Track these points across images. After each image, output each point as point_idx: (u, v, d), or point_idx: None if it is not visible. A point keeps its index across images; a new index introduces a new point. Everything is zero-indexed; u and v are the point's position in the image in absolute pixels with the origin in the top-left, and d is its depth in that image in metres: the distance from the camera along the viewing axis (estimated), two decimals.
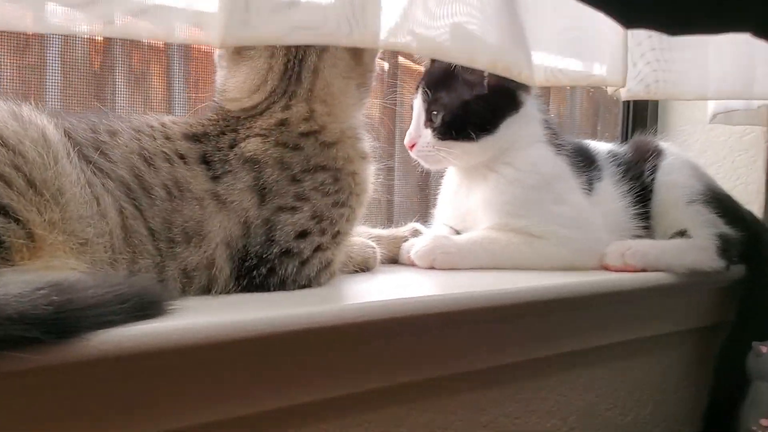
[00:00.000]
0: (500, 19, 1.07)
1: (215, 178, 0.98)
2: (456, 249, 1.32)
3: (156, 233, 0.91)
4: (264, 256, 0.99)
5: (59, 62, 1.40)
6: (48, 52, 1.40)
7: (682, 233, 1.43)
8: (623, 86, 1.30)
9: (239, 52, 1.08)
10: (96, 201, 0.86)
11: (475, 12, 1.05)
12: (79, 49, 1.45)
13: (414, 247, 1.32)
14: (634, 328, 1.36)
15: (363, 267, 1.23)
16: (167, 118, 1.03)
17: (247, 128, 1.03)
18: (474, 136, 1.34)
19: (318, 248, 1.04)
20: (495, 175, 1.38)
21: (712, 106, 1.71)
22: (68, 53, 1.41)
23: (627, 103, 2.06)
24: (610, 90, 1.35)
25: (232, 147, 1.01)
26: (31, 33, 1.31)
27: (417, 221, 1.48)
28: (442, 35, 1.04)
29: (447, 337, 1.05)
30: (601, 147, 1.56)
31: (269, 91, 1.06)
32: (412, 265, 1.33)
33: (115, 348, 0.71)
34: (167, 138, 0.98)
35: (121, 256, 0.87)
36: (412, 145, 1.40)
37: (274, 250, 0.99)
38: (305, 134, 1.04)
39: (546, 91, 2.32)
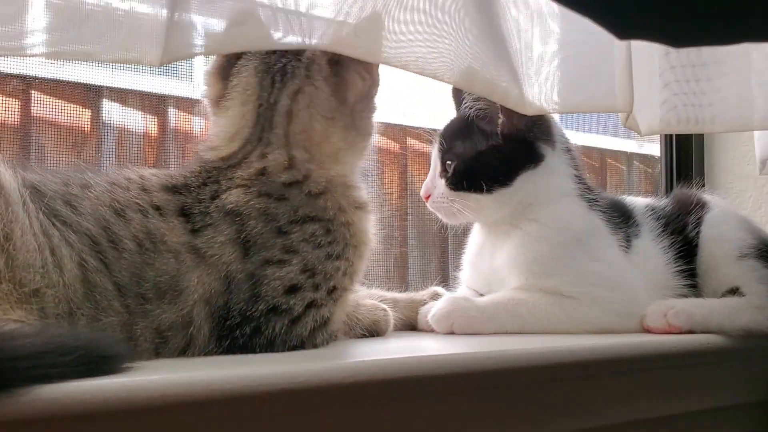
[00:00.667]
0: (482, 43, 0.99)
1: (194, 231, 0.92)
2: (477, 312, 1.20)
3: (123, 288, 0.84)
4: (248, 313, 0.91)
5: (114, 157, 1.46)
6: (104, 146, 1.46)
7: (734, 291, 1.28)
8: (630, 111, 1.18)
9: (218, 103, 1.04)
10: (51, 251, 0.80)
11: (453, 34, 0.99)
12: (134, 144, 1.51)
13: (432, 311, 1.21)
14: (682, 401, 1.19)
15: (372, 331, 1.13)
16: (149, 171, 0.99)
17: (229, 179, 0.97)
18: (486, 187, 1.26)
19: (311, 304, 0.95)
20: (520, 232, 1.28)
21: (759, 151, 1.56)
22: (123, 148, 1.48)
23: (669, 160, 1.94)
24: (621, 118, 1.23)
25: (213, 198, 0.95)
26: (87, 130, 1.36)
27: (440, 285, 1.38)
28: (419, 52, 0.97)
29: (450, 406, 0.92)
30: (639, 202, 1.44)
31: (244, 140, 1.01)
32: (431, 331, 1.22)
33: (45, 405, 0.62)
34: (144, 190, 0.93)
35: (80, 312, 0.81)
36: (428, 197, 1.33)
37: (260, 307, 0.91)
38: (289, 184, 0.98)
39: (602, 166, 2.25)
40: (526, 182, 1.27)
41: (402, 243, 1.76)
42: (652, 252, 1.33)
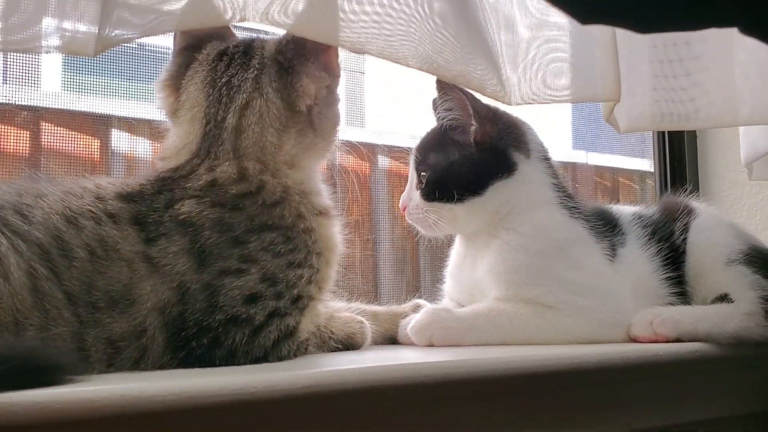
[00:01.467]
0: (452, 27, 0.96)
1: (149, 241, 0.90)
2: (457, 323, 1.17)
3: (74, 297, 0.82)
4: (205, 324, 0.88)
5: None
6: (113, 175, 1.48)
7: (723, 297, 1.24)
8: (618, 100, 1.15)
9: (175, 113, 1.03)
10: None
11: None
12: (143, 172, 1.50)
13: (411, 323, 1.18)
14: (671, 413, 1.15)
15: (348, 344, 1.10)
16: (105, 180, 0.97)
17: (182, 188, 0.95)
18: (458, 197, 1.23)
19: (274, 313, 0.92)
20: (499, 241, 1.25)
21: (744, 152, 1.52)
22: (132, 176, 1.45)
23: (662, 169, 1.91)
24: (604, 113, 1.19)
25: (167, 207, 0.93)
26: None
27: (422, 297, 1.35)
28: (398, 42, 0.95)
29: (418, 416, 0.89)
30: (625, 210, 1.41)
31: (191, 153, 1.00)
32: (412, 344, 1.18)
33: None
34: (98, 198, 0.92)
35: (27, 321, 0.78)
36: (405, 208, 1.31)
37: (218, 317, 0.88)
38: (241, 195, 0.96)
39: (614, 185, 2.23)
40: (499, 191, 1.24)
41: (374, 257, 1.76)
42: (638, 260, 1.30)
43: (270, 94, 1.01)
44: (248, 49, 1.05)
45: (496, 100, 1.07)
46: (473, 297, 1.28)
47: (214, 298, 0.88)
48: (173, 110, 1.05)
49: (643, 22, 0.69)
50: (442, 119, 1.27)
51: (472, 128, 1.24)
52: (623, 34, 1.14)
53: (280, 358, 0.92)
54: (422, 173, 1.28)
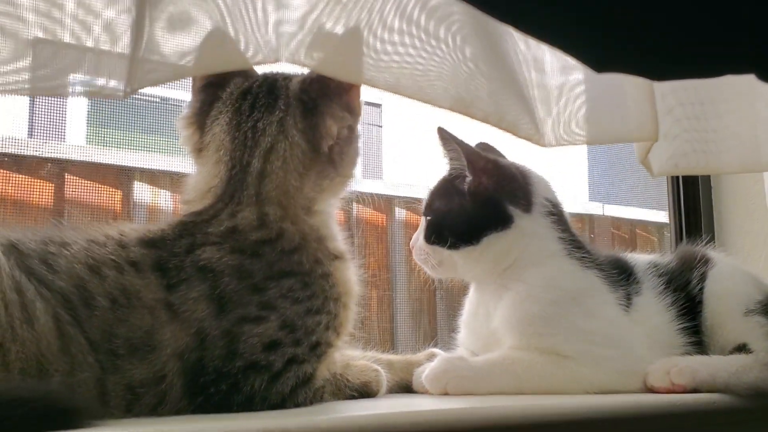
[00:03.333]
0: (485, 69, 0.98)
1: (170, 287, 0.91)
2: (472, 371, 1.17)
3: (95, 344, 0.83)
4: (224, 370, 0.89)
5: None
6: None
7: (741, 348, 1.23)
8: (656, 140, 1.15)
9: (199, 151, 1.05)
10: (22, 307, 0.80)
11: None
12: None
13: (426, 371, 1.18)
14: None
15: (363, 392, 1.09)
16: (128, 226, 0.99)
17: (204, 234, 0.96)
18: (452, 244, 1.26)
19: (292, 360, 0.93)
20: (510, 293, 1.25)
21: None
22: None
23: (678, 219, 1.91)
24: (639, 155, 1.19)
25: (188, 252, 0.94)
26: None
27: (438, 347, 1.35)
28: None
29: None
30: (641, 259, 1.41)
31: (216, 197, 1.01)
32: (427, 392, 1.18)
33: None
34: (121, 246, 0.93)
35: (53, 367, 0.80)
36: (413, 248, 1.34)
37: (237, 364, 0.89)
38: (260, 242, 0.97)
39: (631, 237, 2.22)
40: (494, 243, 1.25)
41: (390, 307, 1.77)
42: (654, 309, 1.29)
43: (295, 137, 1.02)
44: (272, 88, 1.05)
45: (530, 141, 1.08)
46: (488, 346, 1.28)
47: (234, 345, 0.89)
48: (197, 149, 1.06)
49: (658, 70, 0.70)
50: (448, 166, 1.30)
51: (467, 180, 1.26)
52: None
53: (297, 405, 0.92)
54: (427, 217, 1.31)
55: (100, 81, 0.88)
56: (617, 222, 2.42)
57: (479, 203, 1.26)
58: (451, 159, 1.29)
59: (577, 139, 1.12)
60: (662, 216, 2.25)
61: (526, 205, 1.27)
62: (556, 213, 1.31)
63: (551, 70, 1.14)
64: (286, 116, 1.03)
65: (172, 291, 0.90)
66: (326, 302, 0.98)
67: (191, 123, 1.08)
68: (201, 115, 1.07)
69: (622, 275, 1.30)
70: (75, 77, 0.88)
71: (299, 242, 0.99)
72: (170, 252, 0.94)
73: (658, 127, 1.13)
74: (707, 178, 1.93)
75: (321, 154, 1.04)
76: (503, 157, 1.37)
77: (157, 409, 0.86)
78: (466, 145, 1.26)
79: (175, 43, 0.89)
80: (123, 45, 0.89)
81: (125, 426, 0.72)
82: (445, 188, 1.31)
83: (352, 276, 1.05)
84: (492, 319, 1.28)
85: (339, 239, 1.07)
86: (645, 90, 1.14)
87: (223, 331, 0.90)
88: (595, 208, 2.38)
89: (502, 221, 1.26)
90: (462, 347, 1.36)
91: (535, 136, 1.04)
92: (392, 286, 1.84)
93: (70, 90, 0.89)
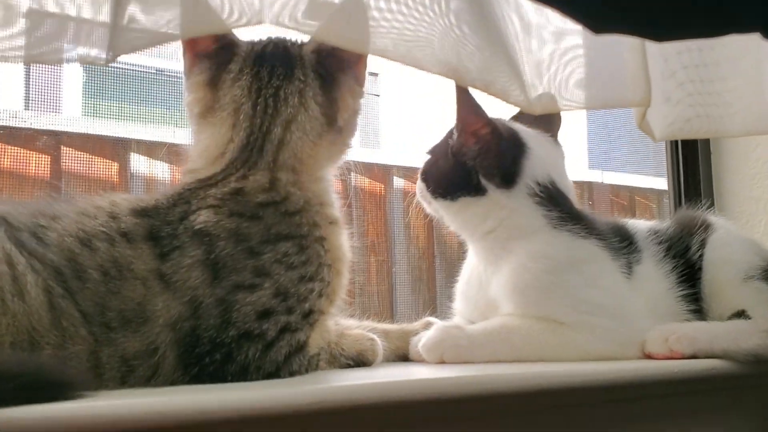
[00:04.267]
0: (474, 35, 0.96)
1: (162, 256, 0.90)
2: (468, 340, 1.16)
3: (88, 317, 0.82)
4: (218, 340, 0.88)
5: None
6: None
7: (740, 314, 1.22)
8: (648, 105, 1.12)
9: (205, 116, 1.02)
10: (12, 279, 0.78)
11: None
12: None
13: (422, 340, 1.17)
14: (689, 430, 1.13)
15: (359, 361, 1.09)
16: (120, 197, 0.97)
17: (200, 199, 0.95)
18: (433, 192, 1.28)
19: (285, 329, 0.92)
20: (507, 261, 1.23)
21: None
22: None
23: (676, 185, 1.89)
24: (636, 120, 1.17)
25: (182, 220, 0.93)
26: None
27: (437, 316, 1.34)
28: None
29: None
30: (640, 226, 1.39)
31: (227, 162, 1.00)
32: (423, 361, 1.17)
33: None
34: (112, 217, 0.92)
35: (44, 340, 0.79)
36: None
37: (231, 333, 0.88)
38: (264, 204, 0.96)
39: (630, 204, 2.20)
40: (469, 206, 1.25)
41: (389, 277, 1.77)
42: (654, 277, 1.28)
43: (315, 110, 1.03)
44: (287, 55, 1.05)
45: (519, 107, 1.07)
46: (484, 315, 1.27)
47: (228, 314, 0.88)
48: (209, 108, 1.04)
49: (659, 31, 0.68)
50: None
51: (453, 137, 1.25)
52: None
53: (292, 374, 0.92)
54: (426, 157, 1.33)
55: (82, 49, 0.86)
56: (616, 189, 2.41)
57: (458, 165, 1.25)
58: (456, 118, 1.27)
59: (569, 104, 1.10)
60: (661, 183, 2.23)
61: (504, 182, 1.23)
62: (542, 195, 1.24)
63: (542, 36, 1.12)
64: (306, 87, 1.04)
65: (164, 260, 0.89)
66: (320, 269, 0.97)
67: (207, 84, 1.05)
68: (215, 76, 1.05)
69: (623, 243, 1.29)
70: (60, 44, 0.85)
71: (302, 205, 0.99)
72: (163, 220, 0.93)
73: (651, 92, 1.10)
74: (706, 143, 1.91)
75: (334, 126, 1.05)
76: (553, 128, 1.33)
77: (150, 381, 0.85)
78: (469, 105, 1.22)
79: (157, 8, 0.86)
80: (104, 13, 0.86)
81: (117, 397, 0.71)
82: (445, 138, 1.30)
83: (345, 242, 1.05)
84: (488, 287, 1.26)
85: (335, 206, 1.06)
86: (638, 55, 1.11)
87: (217, 299, 0.89)
88: (594, 176, 2.37)
89: (476, 189, 1.25)
90: (458, 315, 1.35)
91: (524, 103, 1.02)
92: (391, 255, 1.84)
93: (62, 57, 0.86)
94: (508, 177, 1.24)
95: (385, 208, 1.89)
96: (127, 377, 0.84)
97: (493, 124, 1.24)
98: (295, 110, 1.02)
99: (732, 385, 1.15)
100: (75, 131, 1.54)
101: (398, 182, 1.92)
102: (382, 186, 1.91)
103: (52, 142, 1.49)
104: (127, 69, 1.72)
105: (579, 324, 1.15)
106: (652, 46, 1.15)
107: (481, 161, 1.24)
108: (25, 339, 0.77)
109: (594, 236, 1.25)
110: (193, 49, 1.06)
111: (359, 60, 1.08)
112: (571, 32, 1.11)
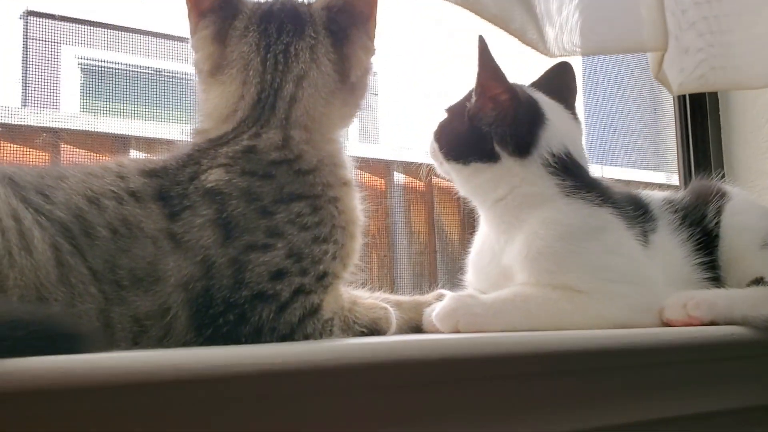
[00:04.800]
0: None
1: (172, 215, 0.88)
2: (483, 309, 1.13)
3: (98, 274, 0.80)
4: (231, 300, 0.86)
5: None
6: None
7: (758, 281, 1.20)
8: (665, 50, 1.10)
9: (214, 74, 1.01)
10: (19, 234, 0.76)
11: None
12: None
13: (436, 310, 1.15)
14: (705, 399, 1.11)
15: (372, 330, 1.06)
16: (127, 159, 0.96)
17: (211, 158, 0.93)
18: (445, 154, 1.26)
19: (299, 290, 0.90)
20: (518, 231, 1.21)
21: None
22: None
23: (686, 157, 1.87)
24: (653, 69, 1.14)
25: (192, 180, 0.91)
26: None
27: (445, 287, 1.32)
28: None
29: (444, 395, 0.85)
30: (655, 196, 1.37)
31: (239, 121, 0.98)
32: (437, 332, 1.15)
33: None
34: (120, 177, 0.90)
35: (52, 296, 0.77)
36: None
37: (244, 294, 0.86)
38: (277, 162, 0.94)
39: None
40: (481, 171, 1.23)
41: (391, 272, 1.76)
42: (670, 245, 1.26)
43: (327, 66, 1.02)
44: (295, 12, 1.04)
45: (535, 49, 1.05)
46: (497, 286, 1.24)
47: (240, 274, 0.87)
48: (217, 65, 1.02)
49: None
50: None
51: (471, 100, 1.23)
52: None
53: (306, 337, 0.90)
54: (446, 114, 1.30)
55: None
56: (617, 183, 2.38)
57: (473, 129, 1.23)
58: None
59: (586, 48, 1.08)
60: (661, 177, 2.22)
61: (518, 151, 1.22)
62: (556, 166, 1.23)
63: None
64: (317, 44, 1.03)
65: (174, 220, 0.87)
66: (333, 230, 0.95)
67: (211, 39, 1.04)
68: (222, 31, 1.03)
69: (638, 212, 1.27)
70: None
71: (315, 165, 0.98)
72: (173, 181, 0.91)
73: (668, 36, 1.07)
74: (716, 117, 1.88)
75: (347, 84, 1.04)
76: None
77: (163, 342, 0.84)
78: (490, 68, 1.19)
79: None
80: None
81: (129, 353, 0.69)
82: (464, 99, 1.27)
83: (358, 205, 1.04)
84: (501, 256, 1.24)
85: (348, 167, 1.05)
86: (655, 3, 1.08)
87: (229, 259, 0.87)
88: (595, 171, 2.34)
89: (488, 156, 1.22)
90: (470, 287, 1.33)
91: (539, 44, 1.00)
92: (392, 250, 1.82)
93: None
94: (522, 146, 1.22)
95: (386, 204, 1.88)
96: (139, 338, 0.82)
97: (513, 91, 1.21)
98: (307, 66, 1.01)
99: (752, 352, 1.13)
100: (74, 128, 1.53)
101: (399, 177, 1.91)
102: (383, 181, 1.90)
103: (51, 139, 1.47)
104: (126, 68, 1.72)
105: (596, 291, 1.13)
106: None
107: (496, 128, 1.21)
108: (32, 294, 0.75)
109: (609, 204, 1.24)
110: (198, 6, 1.05)
111: (371, 14, 1.07)
112: None
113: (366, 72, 1.08)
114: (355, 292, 1.15)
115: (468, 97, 1.26)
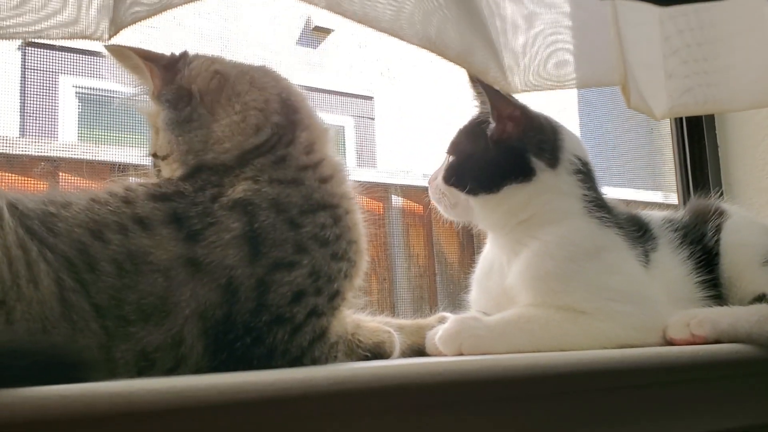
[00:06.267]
0: (463, 20, 0.95)
1: (192, 236, 0.85)
2: (486, 331, 1.13)
3: (102, 309, 0.79)
4: (252, 325, 0.84)
5: None
6: None
7: (761, 298, 1.20)
8: (619, 84, 1.12)
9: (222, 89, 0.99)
10: (27, 265, 0.76)
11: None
12: None
13: (439, 332, 1.14)
14: (710, 418, 1.10)
15: (376, 353, 1.06)
16: (135, 182, 0.94)
17: (234, 176, 0.92)
18: (471, 189, 1.23)
19: (312, 312, 0.89)
20: (527, 249, 1.21)
21: None
22: None
23: (684, 176, 1.88)
24: (625, 100, 1.16)
25: (214, 200, 0.89)
26: None
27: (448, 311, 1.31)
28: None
29: (452, 418, 0.85)
30: (654, 215, 1.38)
31: (275, 124, 0.97)
32: (440, 354, 1.14)
33: None
34: (127, 202, 0.87)
35: (55, 331, 0.76)
36: (430, 183, 1.32)
37: (264, 318, 0.85)
38: (304, 167, 0.94)
39: None
40: (514, 194, 1.22)
41: (390, 296, 1.76)
42: (671, 264, 1.27)
43: None
44: None
45: (497, 86, 1.05)
46: (500, 306, 1.24)
47: (264, 297, 0.86)
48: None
49: None
50: (477, 109, 1.26)
51: (491, 126, 1.22)
52: (657, 19, 1.12)
53: (313, 360, 0.89)
54: (450, 156, 1.28)
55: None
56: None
57: (502, 151, 1.22)
58: (480, 103, 1.25)
59: (547, 84, 1.09)
60: (658, 197, 2.22)
61: (552, 159, 1.23)
62: (584, 171, 1.26)
63: (523, 8, 1.11)
64: None
65: (195, 240, 0.85)
66: (348, 247, 0.96)
67: None
68: None
69: (639, 232, 1.28)
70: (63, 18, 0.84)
71: (332, 173, 0.99)
72: (190, 203, 0.89)
73: (624, 70, 1.09)
74: (713, 136, 1.90)
75: None
76: None
77: (173, 372, 0.82)
78: (493, 89, 1.20)
79: None
80: None
81: (132, 381, 0.69)
82: (473, 130, 1.26)
83: (361, 219, 1.04)
84: (506, 276, 1.24)
85: (348, 182, 1.05)
86: (612, 35, 1.11)
87: (256, 279, 0.86)
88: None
89: (524, 173, 1.22)
90: (473, 308, 1.32)
91: (502, 81, 1.02)
92: (391, 274, 1.81)
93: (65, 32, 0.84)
94: (553, 152, 1.23)
95: (385, 227, 1.88)
96: (147, 371, 0.81)
97: (523, 106, 1.23)
98: None
99: (757, 369, 1.12)
100: (72, 157, 1.53)
101: (397, 201, 1.91)
102: (381, 204, 1.90)
103: (50, 168, 1.47)
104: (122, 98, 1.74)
105: (599, 311, 1.13)
106: (650, 28, 1.15)
107: (530, 140, 1.22)
108: (38, 328, 0.74)
109: (616, 225, 1.24)
110: None
111: None
112: (550, 8, 1.11)
113: None
114: (357, 315, 1.15)
115: (469, 133, 1.26)
